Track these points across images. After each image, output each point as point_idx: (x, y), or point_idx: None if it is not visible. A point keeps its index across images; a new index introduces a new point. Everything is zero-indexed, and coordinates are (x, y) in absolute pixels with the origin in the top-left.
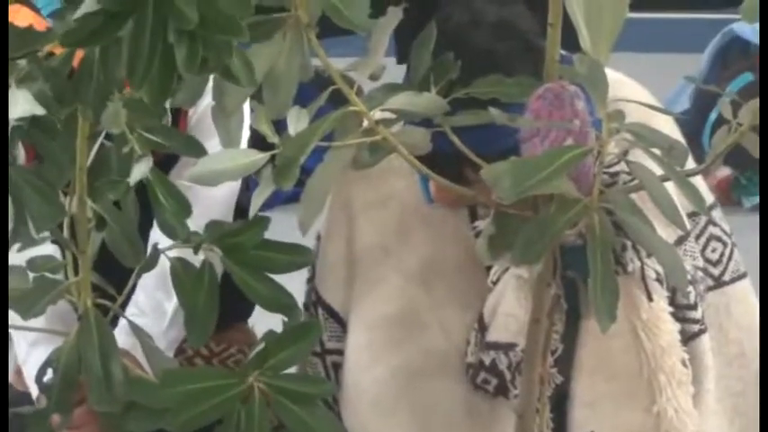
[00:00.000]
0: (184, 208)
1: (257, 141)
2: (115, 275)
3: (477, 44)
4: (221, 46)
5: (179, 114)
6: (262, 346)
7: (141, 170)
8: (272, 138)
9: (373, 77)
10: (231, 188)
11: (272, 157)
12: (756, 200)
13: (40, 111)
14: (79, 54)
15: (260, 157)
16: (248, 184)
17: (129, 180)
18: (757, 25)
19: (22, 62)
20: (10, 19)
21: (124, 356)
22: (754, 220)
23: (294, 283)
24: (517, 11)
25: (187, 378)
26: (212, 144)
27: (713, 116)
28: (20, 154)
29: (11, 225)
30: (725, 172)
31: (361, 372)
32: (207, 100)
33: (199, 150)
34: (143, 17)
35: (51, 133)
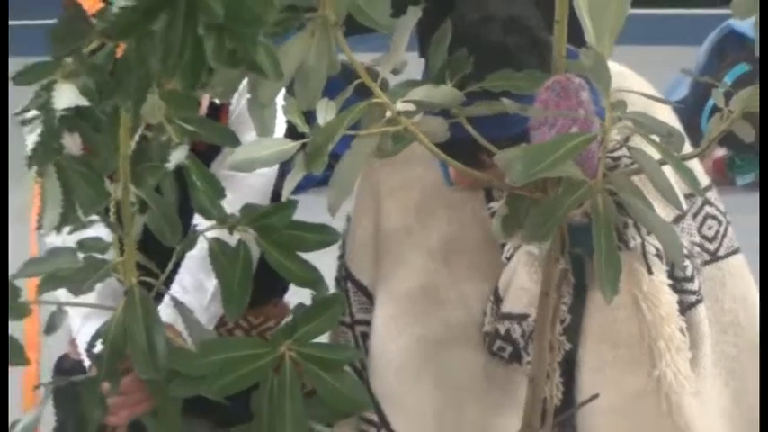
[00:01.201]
0: (218, 191)
1: (289, 131)
2: (158, 255)
3: (488, 40)
4: (247, 38)
5: (221, 109)
6: (291, 317)
7: (178, 157)
8: (303, 127)
9: (395, 71)
10: (268, 176)
11: (303, 145)
12: (749, 179)
13: (83, 102)
14: (120, 51)
15: (292, 145)
16: (284, 172)
17: (168, 166)
18: (751, 19)
19: (68, 59)
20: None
21: (167, 329)
22: (747, 198)
23: (327, 260)
24: (525, 8)
25: (223, 348)
26: (251, 136)
27: (711, 103)
28: (71, 144)
29: (60, 210)
30: (720, 152)
31: (388, 341)
32: (246, 96)
33: (232, 140)
34: (175, 12)
35: (95, 124)
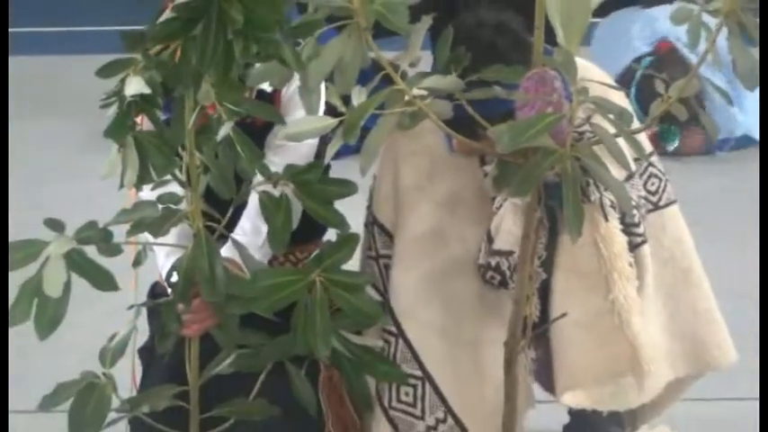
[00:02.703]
0: (256, 156)
1: (329, 111)
2: (218, 206)
3: (482, 41)
4: (265, 40)
5: (275, 94)
6: (319, 251)
7: (225, 130)
8: (341, 108)
9: (412, 65)
10: (310, 145)
11: (341, 122)
12: (674, 144)
13: (147, 90)
14: (177, 51)
15: (332, 121)
16: (324, 141)
17: (217, 138)
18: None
19: (139, 57)
20: None
21: (229, 263)
22: (673, 163)
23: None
24: (510, 16)
25: (269, 276)
26: (298, 114)
27: (633, 90)
28: (147, 122)
29: (137, 172)
30: (654, 127)
31: (404, 272)
32: (294, 84)
33: (277, 117)
34: (208, 21)
35: (156, 106)
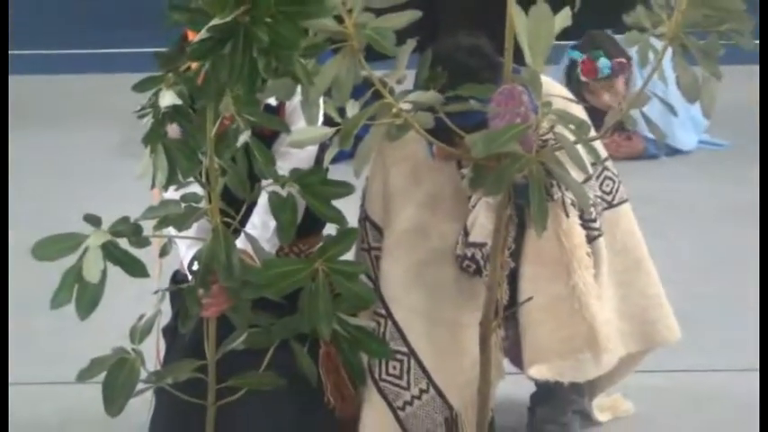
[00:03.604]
0: (270, 160)
1: (327, 121)
2: (234, 204)
3: (458, 62)
4: (286, 58)
5: (281, 106)
6: (322, 243)
7: (243, 138)
8: (337, 118)
9: (399, 82)
10: (311, 151)
11: (337, 131)
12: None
13: (178, 102)
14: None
15: (329, 130)
16: (323, 148)
17: (237, 144)
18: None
19: (170, 74)
20: None
21: (242, 253)
22: (624, 166)
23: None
24: (483, 40)
25: (278, 264)
26: (301, 124)
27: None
28: (173, 131)
29: (166, 175)
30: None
31: (393, 262)
32: (296, 98)
33: (285, 127)
34: (237, 41)
35: (187, 117)
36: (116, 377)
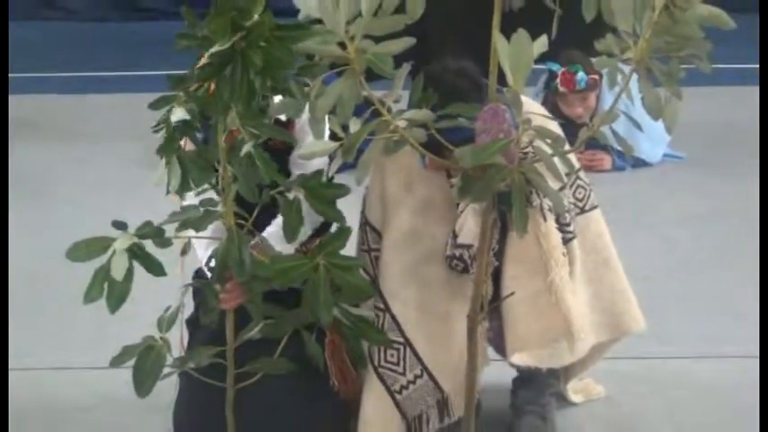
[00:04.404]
0: (272, 168)
1: (332, 136)
2: (246, 208)
3: (446, 83)
4: (279, 77)
5: (291, 122)
6: (320, 240)
7: (247, 148)
8: (341, 134)
9: (396, 101)
10: (321, 161)
11: (341, 145)
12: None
13: (187, 117)
14: (211, 88)
15: (335, 144)
16: (330, 159)
17: (241, 154)
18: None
19: (181, 94)
20: None
21: (253, 249)
22: (593, 176)
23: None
24: (469, 63)
25: (283, 260)
26: (309, 138)
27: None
28: (188, 144)
29: (180, 183)
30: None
31: (390, 262)
32: (305, 116)
33: (290, 138)
34: (235, 64)
35: (194, 130)
36: (145, 362)
